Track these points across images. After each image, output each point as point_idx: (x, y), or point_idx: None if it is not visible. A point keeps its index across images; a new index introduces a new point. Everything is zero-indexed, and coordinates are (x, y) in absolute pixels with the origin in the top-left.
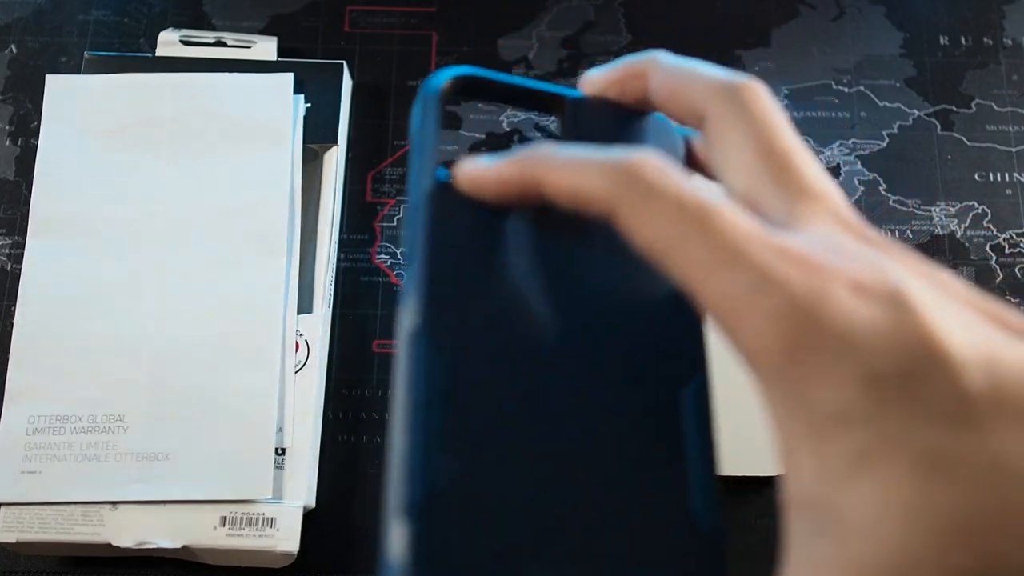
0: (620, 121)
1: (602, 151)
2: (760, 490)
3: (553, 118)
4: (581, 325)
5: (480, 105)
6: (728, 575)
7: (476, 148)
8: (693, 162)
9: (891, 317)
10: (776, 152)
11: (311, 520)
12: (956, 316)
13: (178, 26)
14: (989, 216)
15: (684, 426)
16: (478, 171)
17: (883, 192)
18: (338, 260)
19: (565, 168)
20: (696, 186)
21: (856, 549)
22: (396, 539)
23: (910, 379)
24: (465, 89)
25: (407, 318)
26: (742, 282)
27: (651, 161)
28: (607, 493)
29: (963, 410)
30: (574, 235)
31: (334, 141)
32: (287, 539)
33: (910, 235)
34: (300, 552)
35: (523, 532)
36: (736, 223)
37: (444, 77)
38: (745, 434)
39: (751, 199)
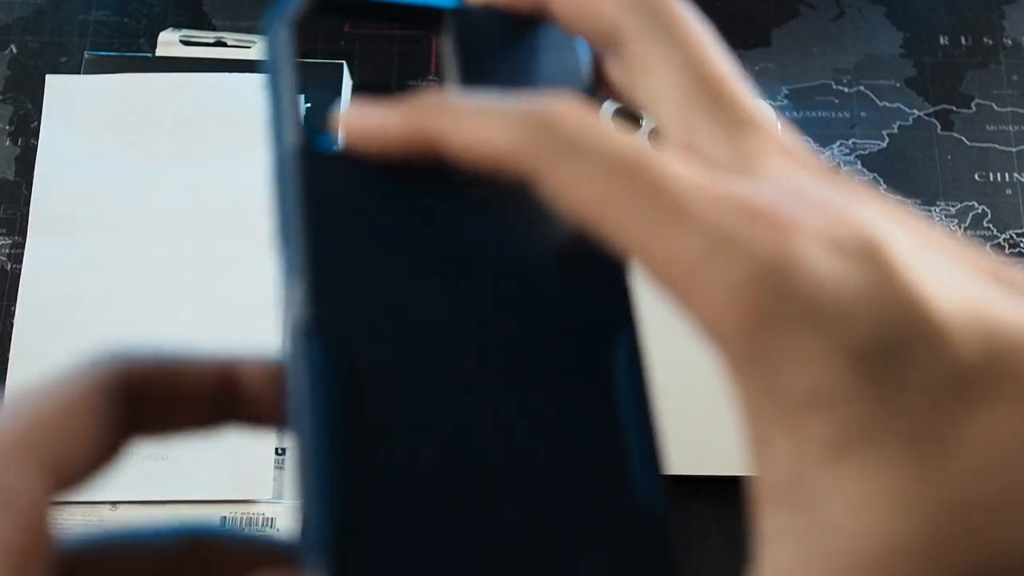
0: (511, 36)
1: (510, 99)
2: (721, 491)
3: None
4: (493, 297)
5: None
6: (676, 558)
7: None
8: (604, 86)
9: (868, 278)
10: (710, 79)
11: None
12: (943, 272)
13: (178, 26)
14: (989, 216)
15: (619, 396)
16: (364, 124)
17: (883, 192)
18: None
19: (468, 120)
20: (626, 136)
21: (837, 544)
22: None
23: (893, 351)
24: (324, 9)
25: (290, 311)
26: (693, 247)
27: (570, 109)
28: (543, 484)
29: (955, 384)
30: (476, 193)
31: None
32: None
33: None
34: None
35: (460, 542)
36: (678, 175)
37: (293, 7)
38: (705, 429)
39: (688, 139)
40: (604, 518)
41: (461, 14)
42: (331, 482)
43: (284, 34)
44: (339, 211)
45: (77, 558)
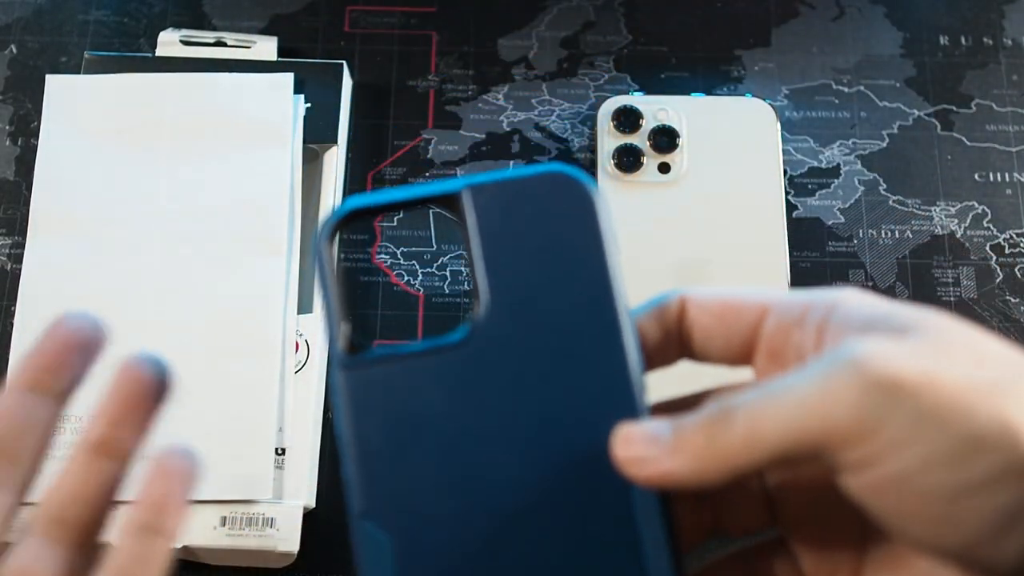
0: (521, 199)
1: (799, 375)
2: None
3: (539, 126)
4: (520, 460)
5: (480, 104)
6: None
7: (476, 154)
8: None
9: None
10: None
11: (311, 520)
12: None
13: (178, 26)
14: (989, 216)
15: (643, 537)
16: (650, 458)
17: (883, 192)
18: (338, 260)
19: (785, 406)
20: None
21: None
22: None
23: None
24: (355, 218)
25: (351, 500)
26: None
27: (886, 352)
28: None
29: None
30: (498, 368)
31: (334, 141)
32: (287, 539)
33: (910, 235)
34: (300, 552)
35: None
36: None
37: (328, 223)
38: None
39: None
40: None
41: (476, 188)
42: None
43: (323, 255)
44: (379, 411)
45: None
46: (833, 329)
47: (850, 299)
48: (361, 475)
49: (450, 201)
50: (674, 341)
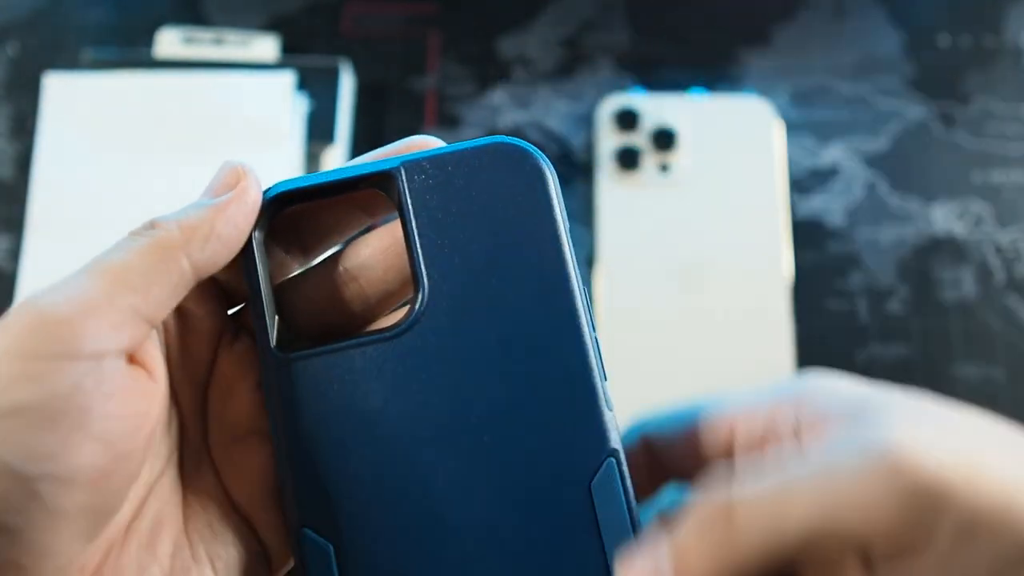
0: (462, 175)
1: (815, 465)
2: None
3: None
4: (463, 455)
5: (480, 104)
6: None
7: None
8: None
9: None
10: None
11: None
12: None
13: (178, 25)
14: (989, 216)
15: (603, 524)
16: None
17: (883, 192)
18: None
19: (808, 503)
20: None
21: None
22: None
23: None
24: (283, 204)
25: (288, 507)
26: None
27: (917, 447)
28: None
29: None
30: (431, 356)
31: (334, 141)
32: None
33: (910, 235)
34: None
35: None
36: None
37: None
38: None
39: None
40: None
41: (412, 168)
42: None
43: (252, 251)
44: (312, 407)
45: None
46: (811, 425)
47: (814, 391)
48: (297, 480)
49: (385, 180)
50: (647, 480)
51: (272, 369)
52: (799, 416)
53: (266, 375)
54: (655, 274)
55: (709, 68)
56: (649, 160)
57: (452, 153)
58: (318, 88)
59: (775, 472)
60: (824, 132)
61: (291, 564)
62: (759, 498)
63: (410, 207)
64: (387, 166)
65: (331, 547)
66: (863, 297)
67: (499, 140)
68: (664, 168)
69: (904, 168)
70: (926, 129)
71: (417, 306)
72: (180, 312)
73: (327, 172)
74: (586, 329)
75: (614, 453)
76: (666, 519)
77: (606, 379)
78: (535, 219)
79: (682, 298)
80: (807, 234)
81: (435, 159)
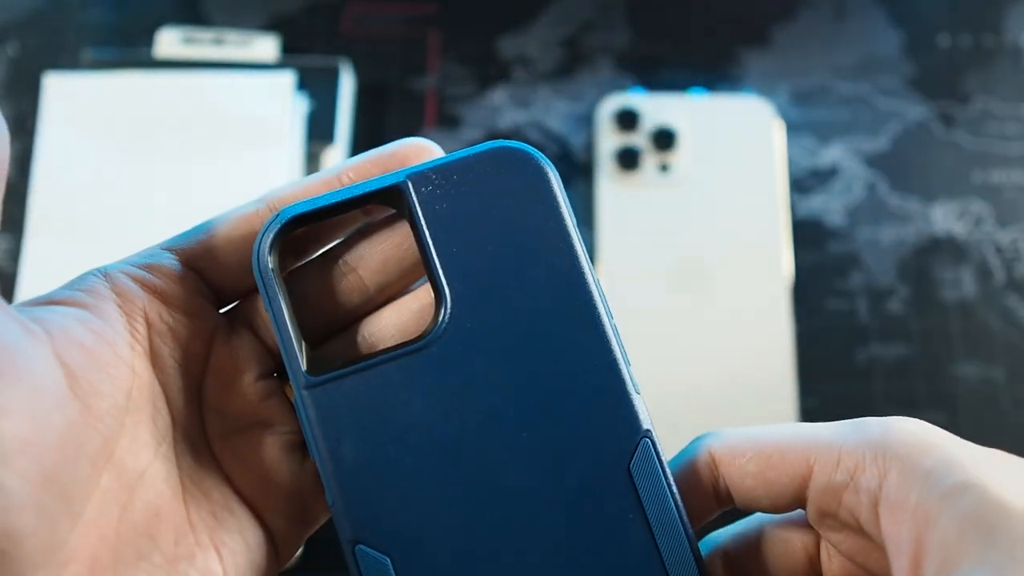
0: (468, 182)
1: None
2: None
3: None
4: (504, 459)
5: (480, 104)
6: None
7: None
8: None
9: None
10: None
11: None
12: None
13: (178, 25)
14: (989, 216)
15: (646, 509)
16: None
17: (883, 192)
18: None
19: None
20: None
21: None
22: None
23: None
24: (296, 225)
25: (340, 525)
26: None
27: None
28: None
29: None
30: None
31: (334, 141)
32: None
33: (910, 235)
34: (300, 552)
35: None
36: None
37: (268, 235)
38: None
39: None
40: None
41: (418, 180)
42: None
43: (267, 275)
44: (352, 426)
45: None
46: (891, 504)
47: (901, 452)
48: (346, 498)
49: (393, 194)
50: (711, 498)
51: (304, 392)
52: (882, 480)
53: (300, 399)
54: (655, 274)
55: (709, 68)
56: (649, 160)
57: (455, 161)
58: (318, 88)
59: None
60: (824, 132)
61: (300, 550)
62: None
63: (422, 218)
64: (393, 180)
65: (388, 560)
66: (863, 297)
67: (500, 145)
68: (664, 168)
69: (904, 168)
70: (926, 129)
71: (442, 315)
72: (167, 309)
73: (335, 193)
74: (605, 318)
75: (647, 434)
76: (728, 552)
77: (629, 363)
78: (543, 218)
79: (682, 298)
80: (807, 234)
81: (439, 169)
